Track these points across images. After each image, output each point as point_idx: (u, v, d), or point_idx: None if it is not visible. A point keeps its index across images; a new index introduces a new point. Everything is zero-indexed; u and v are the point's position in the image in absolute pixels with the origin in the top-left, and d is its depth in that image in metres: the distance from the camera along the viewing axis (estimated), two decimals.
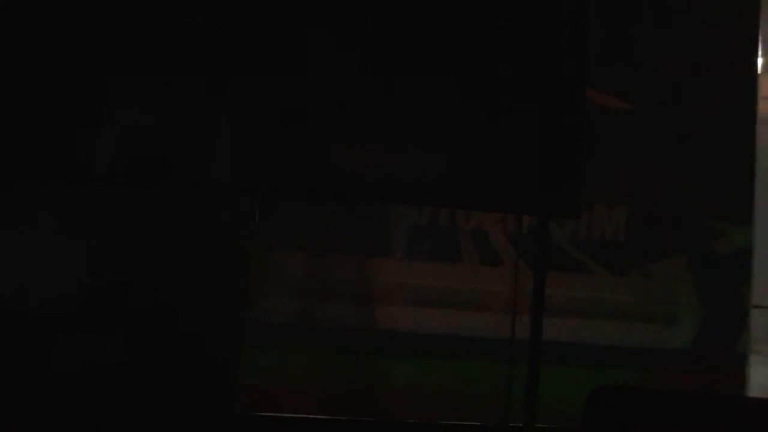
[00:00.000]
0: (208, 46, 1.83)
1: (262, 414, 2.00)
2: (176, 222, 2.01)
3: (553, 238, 2.15)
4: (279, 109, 1.86)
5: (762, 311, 2.29)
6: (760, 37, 2.37)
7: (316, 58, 1.87)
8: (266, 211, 2.06)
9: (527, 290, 2.08)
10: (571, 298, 2.21)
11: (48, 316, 1.93)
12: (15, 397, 1.81)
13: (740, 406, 1.38)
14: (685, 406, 1.26)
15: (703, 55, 2.31)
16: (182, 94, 1.82)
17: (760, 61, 2.36)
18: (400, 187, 1.94)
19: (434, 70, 1.93)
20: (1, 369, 1.85)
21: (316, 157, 1.87)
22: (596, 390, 1.25)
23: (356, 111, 1.90)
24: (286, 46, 1.87)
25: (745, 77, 2.34)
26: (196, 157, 1.85)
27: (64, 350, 1.93)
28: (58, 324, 1.94)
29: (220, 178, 1.89)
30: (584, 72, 2.01)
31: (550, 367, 1.86)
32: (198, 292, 1.99)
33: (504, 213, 2.18)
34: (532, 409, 1.79)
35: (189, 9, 1.83)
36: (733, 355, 2.26)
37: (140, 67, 1.80)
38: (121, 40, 1.79)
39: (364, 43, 1.91)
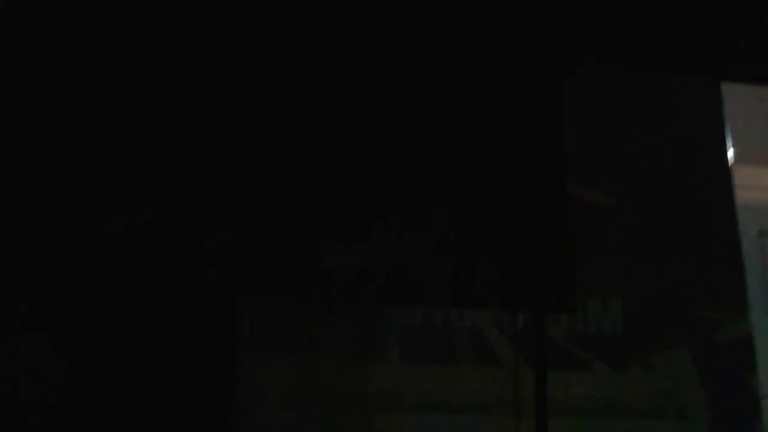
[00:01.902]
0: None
1: None
2: (161, 325, 1.95)
3: (550, 334, 2.12)
4: (269, 210, 1.88)
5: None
6: (728, 129, 2.50)
7: (305, 161, 1.93)
8: (255, 315, 2.02)
9: (528, 389, 2.01)
10: (574, 397, 2.13)
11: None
12: None
13: None
14: None
15: (679, 148, 2.42)
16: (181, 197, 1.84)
17: (731, 152, 2.46)
18: (392, 288, 1.93)
19: (423, 172, 1.99)
20: None
21: (307, 259, 1.87)
22: None
23: (347, 212, 1.93)
24: (273, 152, 1.93)
25: (719, 167, 2.44)
26: (185, 258, 1.84)
27: None
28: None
29: (209, 280, 1.86)
30: (564, 168, 2.08)
31: None
32: (184, 401, 1.89)
33: (499, 310, 2.16)
34: None
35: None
36: None
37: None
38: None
39: (353, 149, 1.98)
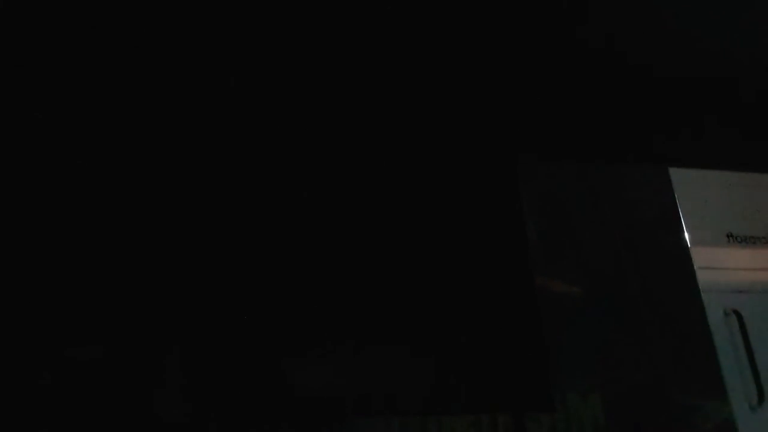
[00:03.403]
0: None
1: None
2: None
3: None
4: (226, 333, 1.82)
5: None
6: (681, 214, 2.59)
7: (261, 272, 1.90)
8: None
9: None
10: None
11: None
12: None
13: None
14: None
15: (638, 235, 2.48)
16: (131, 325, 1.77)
17: (687, 235, 2.54)
18: (365, 400, 1.85)
19: (389, 280, 1.98)
20: None
21: (270, 379, 1.79)
22: None
23: (310, 326, 1.88)
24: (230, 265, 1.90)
25: (678, 251, 2.49)
26: (144, 395, 1.74)
27: None
28: None
29: (169, 412, 1.75)
30: (528, 264, 2.10)
31: None
32: None
33: (476, 414, 2.07)
34: None
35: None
36: None
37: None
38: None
39: (312, 261, 1.96)
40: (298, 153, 2.08)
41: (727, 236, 2.64)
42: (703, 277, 2.43)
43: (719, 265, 2.55)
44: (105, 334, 1.76)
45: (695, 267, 2.45)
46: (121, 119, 1.99)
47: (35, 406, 1.69)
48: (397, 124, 2.27)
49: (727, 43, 2.47)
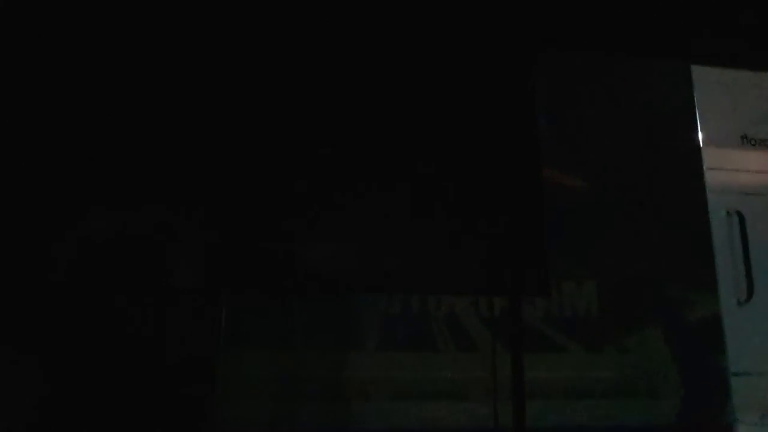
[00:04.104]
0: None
1: None
2: (136, 328, 1.92)
3: (526, 318, 2.13)
4: (242, 207, 1.85)
5: (737, 378, 2.28)
6: (697, 113, 2.53)
7: (274, 157, 1.90)
8: (231, 311, 1.99)
9: (506, 375, 2.03)
10: (551, 379, 2.15)
11: None
12: None
13: None
14: None
15: (650, 132, 2.44)
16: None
17: (701, 135, 2.50)
18: (369, 277, 1.92)
19: (396, 161, 1.97)
20: None
21: (281, 254, 1.84)
22: None
23: (321, 205, 1.91)
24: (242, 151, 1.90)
25: (689, 150, 2.47)
26: (160, 263, 1.81)
27: None
28: None
29: (183, 281, 1.84)
30: (538, 154, 2.09)
31: None
32: (165, 395, 1.87)
33: (475, 296, 2.16)
34: None
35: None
36: (720, 427, 2.21)
37: None
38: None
39: (324, 140, 1.95)
40: (314, 32, 2.00)
41: (742, 138, 2.60)
42: (711, 177, 2.43)
43: (729, 167, 2.54)
44: (120, 206, 1.80)
45: (705, 167, 2.43)
46: None
47: (50, 279, 1.77)
48: (419, 14, 2.16)
49: None
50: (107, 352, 1.88)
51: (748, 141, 2.61)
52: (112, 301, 1.91)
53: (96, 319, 1.90)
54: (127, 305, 1.92)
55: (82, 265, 1.78)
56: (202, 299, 1.99)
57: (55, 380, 1.85)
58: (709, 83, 2.60)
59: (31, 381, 1.82)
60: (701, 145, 2.47)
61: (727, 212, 2.48)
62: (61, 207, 1.78)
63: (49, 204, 1.77)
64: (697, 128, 2.50)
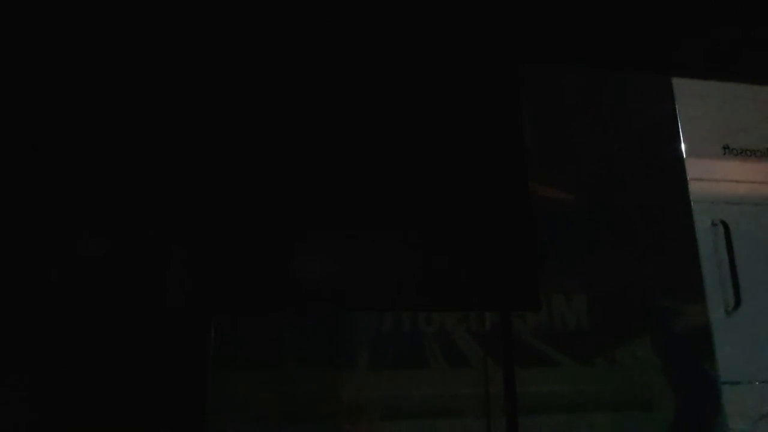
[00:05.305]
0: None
1: None
2: (127, 345, 1.90)
3: (516, 332, 2.13)
4: (233, 222, 1.85)
5: (727, 387, 2.29)
6: (680, 125, 2.57)
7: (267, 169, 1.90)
8: (221, 329, 1.97)
9: (498, 390, 2.02)
10: (543, 394, 2.15)
11: None
12: None
13: None
14: None
15: (635, 145, 2.47)
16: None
17: (683, 146, 2.54)
18: (359, 295, 1.91)
19: (384, 178, 1.98)
20: None
21: (270, 272, 1.83)
22: None
23: (311, 221, 1.90)
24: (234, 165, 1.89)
25: (673, 162, 2.50)
26: (153, 280, 1.79)
27: None
28: None
29: (174, 300, 1.82)
30: (525, 167, 2.11)
31: None
32: (154, 417, 1.84)
33: (465, 311, 2.16)
34: None
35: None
36: None
37: None
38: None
39: (317, 156, 1.96)
40: (300, 42, 2.01)
41: (723, 148, 2.64)
42: (695, 188, 2.46)
43: (712, 177, 2.57)
44: (111, 227, 1.78)
45: (689, 178, 2.47)
46: None
47: (45, 296, 1.74)
48: (401, 24, 2.18)
49: None
50: (94, 373, 1.85)
51: (729, 151, 2.65)
52: (100, 320, 1.88)
53: (82, 339, 1.87)
54: (115, 325, 1.90)
55: (68, 285, 1.75)
56: (191, 319, 1.97)
57: (41, 402, 1.81)
58: (690, 95, 2.64)
59: (11, 406, 1.79)
60: (684, 156, 2.51)
61: (712, 222, 2.51)
62: (47, 226, 1.76)
63: (35, 223, 1.75)
64: (679, 140, 2.54)
